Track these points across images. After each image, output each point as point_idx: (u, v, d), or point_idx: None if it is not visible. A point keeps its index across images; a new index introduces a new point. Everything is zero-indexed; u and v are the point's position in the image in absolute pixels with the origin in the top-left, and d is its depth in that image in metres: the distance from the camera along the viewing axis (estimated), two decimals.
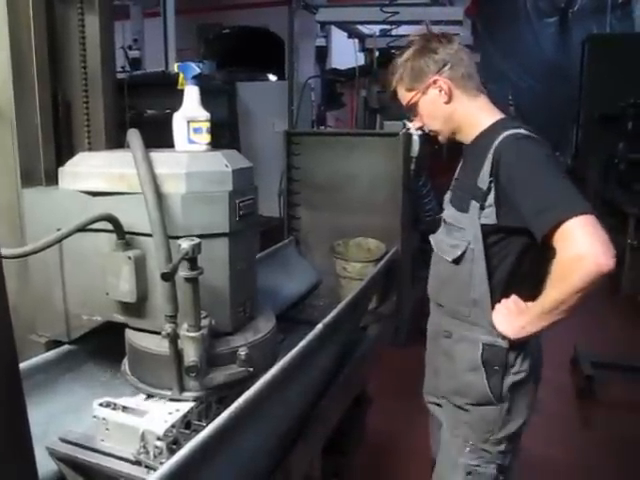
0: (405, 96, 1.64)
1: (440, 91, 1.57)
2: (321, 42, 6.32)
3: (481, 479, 1.56)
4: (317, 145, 2.75)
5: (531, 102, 12.62)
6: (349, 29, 6.20)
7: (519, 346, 1.50)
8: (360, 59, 6.13)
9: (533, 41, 12.94)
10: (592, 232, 1.25)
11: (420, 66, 1.58)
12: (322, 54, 6.38)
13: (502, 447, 1.54)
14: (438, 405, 1.78)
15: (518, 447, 1.62)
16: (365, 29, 6.23)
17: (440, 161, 4.75)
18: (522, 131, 1.47)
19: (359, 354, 2.03)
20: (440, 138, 1.68)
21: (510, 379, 1.52)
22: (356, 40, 6.23)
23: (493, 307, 1.51)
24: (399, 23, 5.94)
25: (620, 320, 4.81)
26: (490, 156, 1.45)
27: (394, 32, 6.12)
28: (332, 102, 6.27)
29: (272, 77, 5.95)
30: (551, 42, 12.95)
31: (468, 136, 1.62)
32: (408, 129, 2.53)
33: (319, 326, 1.52)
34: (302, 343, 1.41)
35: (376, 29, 6.24)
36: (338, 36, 7.30)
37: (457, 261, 1.54)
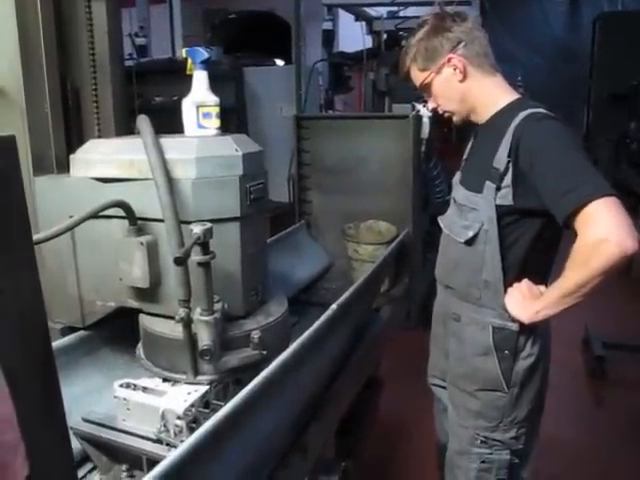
0: (419, 76, 1.61)
1: (455, 70, 1.54)
2: (328, 25, 6.27)
3: (495, 465, 1.56)
4: (327, 129, 2.74)
5: (541, 82, 12.48)
6: (356, 11, 6.15)
7: (529, 329, 1.48)
8: (367, 42, 6.08)
9: (543, 20, 12.77)
10: (615, 215, 1.24)
11: (434, 45, 1.54)
12: (329, 38, 6.34)
13: (513, 433, 1.53)
14: (444, 388, 1.78)
15: (536, 430, 1.60)
16: (372, 11, 6.17)
17: (450, 143, 4.72)
18: (542, 110, 1.44)
19: (372, 335, 2.04)
20: (455, 119, 1.64)
21: (521, 364, 1.50)
22: (363, 23, 6.18)
23: (505, 290, 1.49)
24: (406, 4, 5.88)
25: (631, 301, 4.79)
26: (508, 136, 1.41)
27: (402, 14, 6.07)
28: (340, 86, 6.24)
29: (279, 62, 5.92)
30: (561, 21, 12.79)
31: (483, 116, 1.58)
32: (418, 111, 2.52)
33: (333, 306, 1.53)
34: (317, 323, 1.42)
35: (383, 11, 6.18)
36: (345, 19, 7.24)
37: (469, 242, 1.52)
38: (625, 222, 1.23)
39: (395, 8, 6.04)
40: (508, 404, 1.52)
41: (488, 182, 1.45)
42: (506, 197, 1.43)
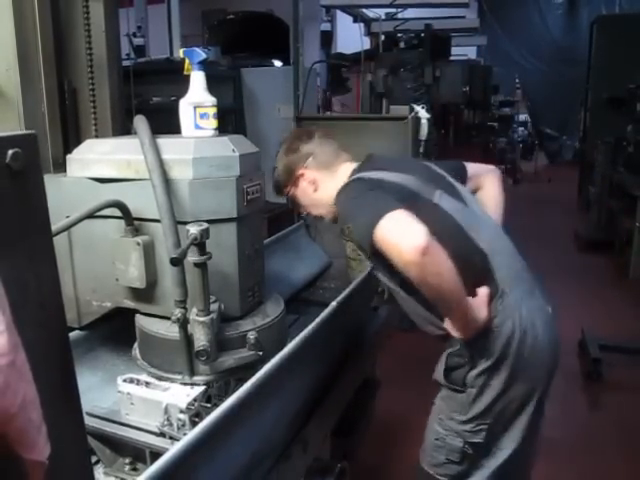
0: (285, 192, 1.79)
1: (307, 182, 1.72)
2: (326, 27, 6.30)
3: (447, 447, 1.57)
4: (326, 130, 2.74)
5: (538, 85, 12.57)
6: (354, 13, 6.16)
7: (481, 337, 1.46)
8: (365, 43, 6.09)
9: (541, 23, 12.82)
10: (395, 224, 1.31)
11: (289, 164, 1.73)
12: (327, 39, 6.36)
13: (469, 427, 1.53)
14: None
15: (508, 432, 1.54)
16: (370, 13, 6.19)
17: (447, 145, 4.73)
18: (354, 176, 1.58)
19: (370, 333, 2.06)
20: (326, 220, 1.78)
21: (475, 371, 1.49)
22: (361, 24, 6.20)
23: (441, 318, 1.50)
24: (405, 6, 5.90)
25: (628, 304, 4.80)
26: None
27: (400, 15, 6.09)
28: (337, 87, 6.25)
29: (277, 62, 5.93)
30: (559, 24, 12.83)
31: None
32: (417, 113, 2.52)
33: (333, 304, 1.55)
34: (319, 319, 1.44)
35: (381, 13, 6.20)
36: (343, 20, 7.25)
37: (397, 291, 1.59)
38: (404, 225, 1.30)
39: (393, 10, 6.06)
40: (465, 402, 1.52)
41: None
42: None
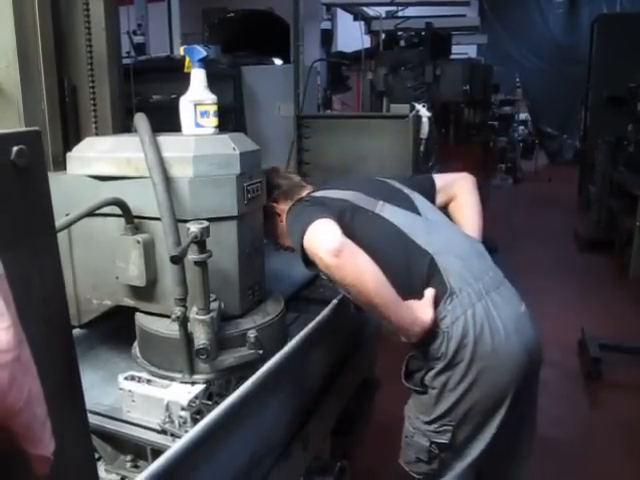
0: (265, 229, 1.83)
1: (276, 214, 1.77)
2: (326, 25, 6.29)
3: (415, 445, 1.58)
4: (327, 128, 2.75)
5: (539, 84, 12.58)
6: (354, 11, 6.16)
7: (432, 339, 1.47)
8: (366, 42, 6.09)
9: (541, 22, 12.82)
10: (313, 232, 1.40)
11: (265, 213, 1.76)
12: (327, 37, 6.35)
13: (433, 427, 1.54)
14: None
15: (480, 433, 1.52)
16: (371, 11, 6.19)
17: (448, 144, 4.73)
18: (300, 201, 1.64)
19: (370, 332, 2.07)
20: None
21: (432, 372, 1.49)
22: (362, 22, 6.19)
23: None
24: (405, 4, 5.90)
25: (628, 303, 4.80)
26: None
27: (400, 14, 6.08)
28: (338, 85, 6.25)
29: (277, 61, 5.92)
30: (560, 23, 12.83)
31: None
32: (418, 111, 2.51)
33: (334, 302, 1.56)
34: (318, 318, 1.45)
35: (382, 11, 6.19)
36: (343, 19, 7.25)
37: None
38: (321, 231, 1.39)
39: (394, 8, 6.05)
40: (429, 403, 1.53)
41: None
42: None
